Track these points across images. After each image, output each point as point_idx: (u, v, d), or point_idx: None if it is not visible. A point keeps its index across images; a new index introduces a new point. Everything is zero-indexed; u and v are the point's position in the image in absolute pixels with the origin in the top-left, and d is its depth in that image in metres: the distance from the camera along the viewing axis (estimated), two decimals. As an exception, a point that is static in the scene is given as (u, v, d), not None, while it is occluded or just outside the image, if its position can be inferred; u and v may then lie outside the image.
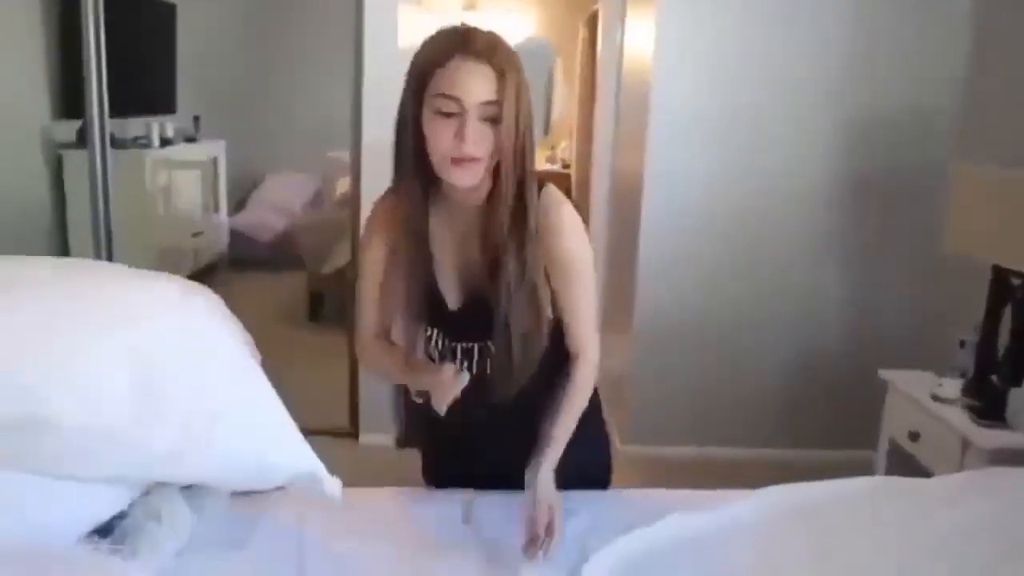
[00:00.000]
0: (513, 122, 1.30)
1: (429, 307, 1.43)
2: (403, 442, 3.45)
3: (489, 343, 1.42)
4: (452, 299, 1.45)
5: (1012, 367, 2.30)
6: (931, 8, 3.09)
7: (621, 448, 3.34)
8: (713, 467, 3.21)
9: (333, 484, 1.43)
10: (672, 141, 3.15)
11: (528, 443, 1.48)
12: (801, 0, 3.06)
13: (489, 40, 1.30)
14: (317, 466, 1.42)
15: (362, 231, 1.51)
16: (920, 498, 1.64)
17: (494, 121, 1.29)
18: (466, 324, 1.44)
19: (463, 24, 1.34)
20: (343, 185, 4.22)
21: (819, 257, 3.24)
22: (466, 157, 1.28)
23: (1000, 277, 2.36)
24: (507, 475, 1.50)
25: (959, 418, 2.28)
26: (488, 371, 1.45)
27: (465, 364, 1.46)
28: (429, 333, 1.49)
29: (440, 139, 1.29)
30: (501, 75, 1.28)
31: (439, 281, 1.44)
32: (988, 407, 2.29)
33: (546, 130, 6.30)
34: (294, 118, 5.08)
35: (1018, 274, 2.29)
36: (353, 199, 3.40)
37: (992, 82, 3.01)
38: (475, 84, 1.26)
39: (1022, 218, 2.14)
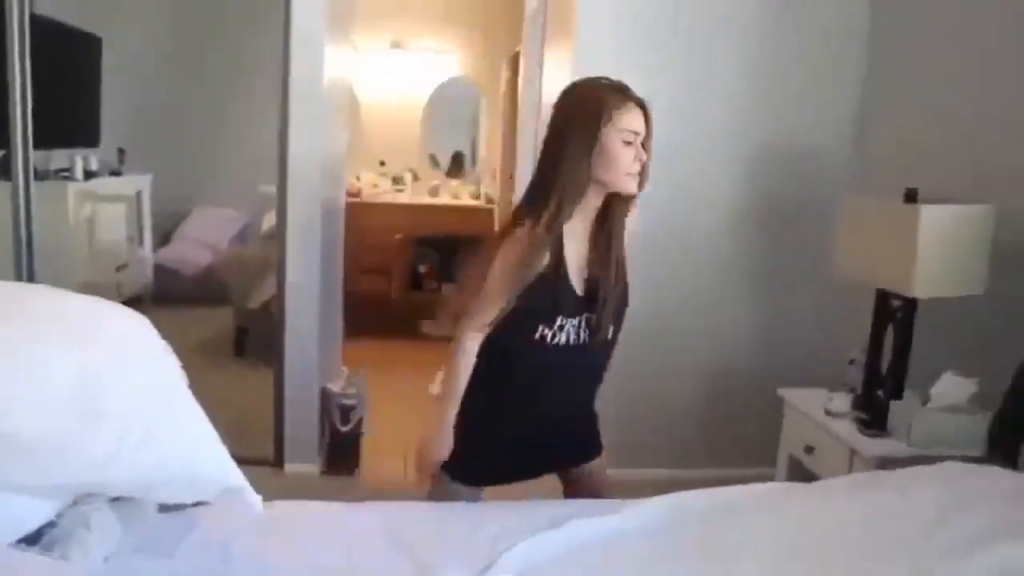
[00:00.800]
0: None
1: (566, 299, 1.85)
2: (329, 469, 3.50)
3: (590, 315, 1.87)
4: (578, 288, 1.86)
5: (894, 381, 2.51)
6: (826, 53, 3.38)
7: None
8: (628, 488, 3.33)
9: (256, 498, 1.51)
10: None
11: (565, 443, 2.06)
12: (710, 43, 3.30)
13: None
14: (241, 480, 1.50)
15: (512, 251, 1.81)
16: (801, 501, 1.81)
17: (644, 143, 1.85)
18: (584, 304, 1.87)
19: (612, 79, 1.89)
20: (271, 219, 4.28)
21: (726, 282, 3.44)
22: (635, 172, 1.83)
23: (882, 300, 2.58)
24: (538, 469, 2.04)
25: (848, 430, 2.47)
26: (587, 338, 1.88)
27: (579, 329, 1.87)
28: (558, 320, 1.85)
29: (624, 160, 1.81)
30: (646, 114, 1.86)
31: (570, 278, 1.86)
32: (873, 419, 2.49)
33: (473, 164, 6.47)
34: (221, 153, 5.10)
35: (898, 297, 2.51)
36: (279, 233, 3.47)
37: (879, 121, 3.28)
38: (640, 122, 1.84)
39: (900, 246, 2.35)
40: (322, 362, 3.57)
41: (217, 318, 4.88)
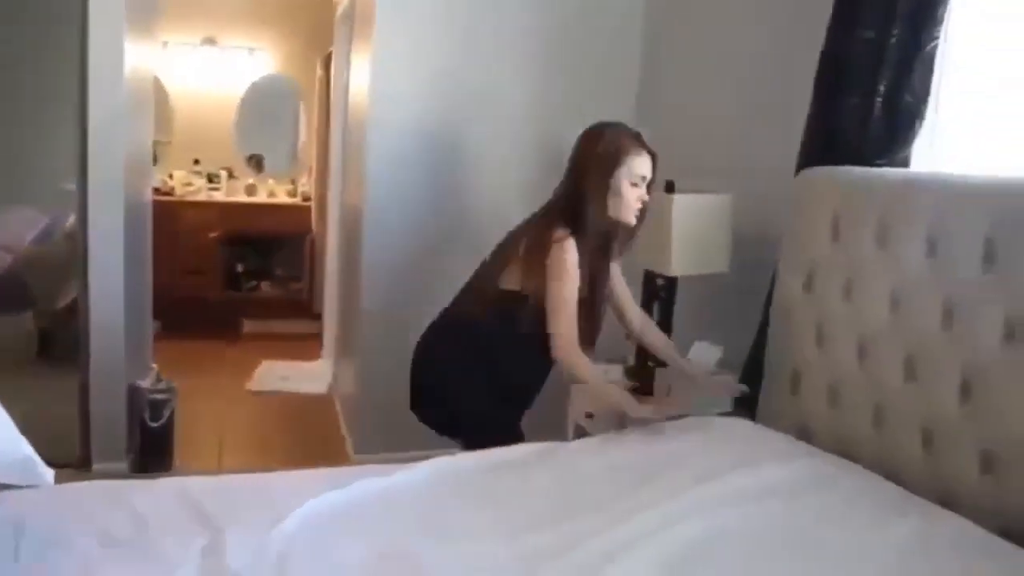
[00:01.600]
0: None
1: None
2: (138, 466, 3.49)
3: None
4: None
5: (658, 352, 2.85)
6: (605, 59, 3.71)
7: (356, 457, 3.60)
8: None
9: (48, 471, 1.59)
10: (386, 171, 3.49)
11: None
12: (500, 41, 3.54)
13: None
14: (31, 453, 1.57)
15: (568, 262, 2.27)
16: (563, 458, 2.07)
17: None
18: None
19: (629, 128, 2.40)
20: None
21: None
22: (637, 208, 2.36)
23: (649, 279, 2.90)
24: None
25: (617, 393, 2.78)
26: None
27: None
28: None
29: (632, 198, 2.34)
30: (654, 161, 2.37)
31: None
32: (643, 386, 2.81)
33: (291, 161, 6.49)
34: (19, 150, 4.90)
35: (661, 276, 2.84)
36: (81, 232, 3.43)
37: (651, 121, 3.64)
38: (648, 168, 2.35)
39: (660, 231, 2.66)
40: (131, 361, 3.56)
41: (19, 320, 4.69)
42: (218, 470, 3.56)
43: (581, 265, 2.30)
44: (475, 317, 2.44)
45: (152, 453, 3.53)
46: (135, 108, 3.66)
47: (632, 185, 2.31)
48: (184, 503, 1.71)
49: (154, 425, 3.51)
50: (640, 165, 2.30)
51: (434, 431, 2.58)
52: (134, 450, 3.54)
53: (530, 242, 2.35)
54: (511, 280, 2.39)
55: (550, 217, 2.37)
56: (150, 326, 4.30)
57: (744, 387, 2.53)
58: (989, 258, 1.82)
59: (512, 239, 2.47)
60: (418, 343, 2.61)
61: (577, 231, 2.29)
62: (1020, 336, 1.75)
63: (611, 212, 2.35)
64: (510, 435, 2.36)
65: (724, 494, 1.82)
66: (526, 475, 1.95)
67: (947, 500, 1.86)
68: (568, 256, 2.27)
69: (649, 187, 2.37)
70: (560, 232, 2.29)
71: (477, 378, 2.43)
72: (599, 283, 2.42)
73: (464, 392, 2.46)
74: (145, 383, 3.57)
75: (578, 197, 2.33)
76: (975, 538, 1.65)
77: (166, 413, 3.54)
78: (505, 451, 2.10)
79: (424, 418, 2.59)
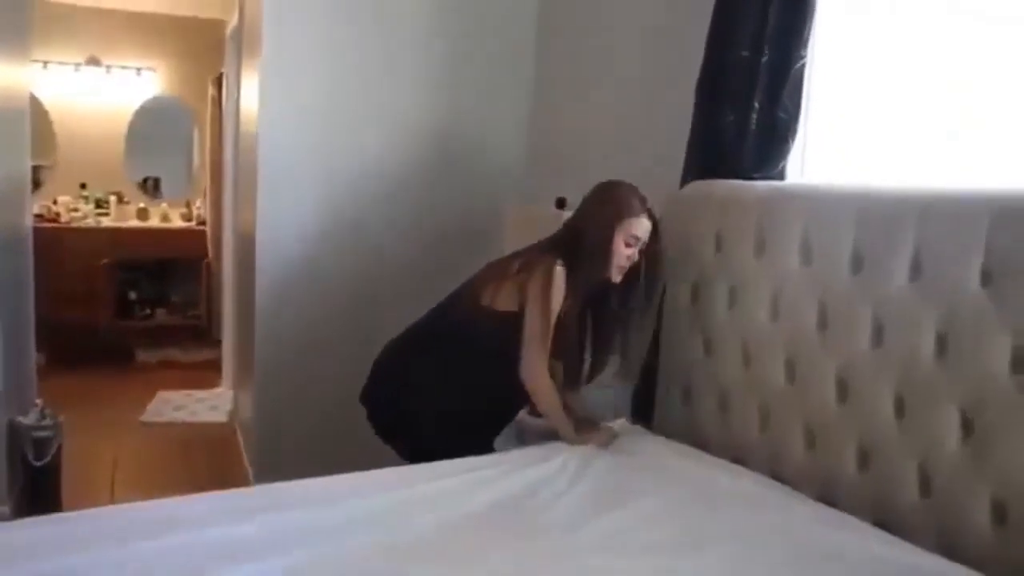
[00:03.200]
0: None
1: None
2: (22, 510, 3.32)
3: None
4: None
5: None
6: (499, 77, 3.75)
7: (256, 484, 3.51)
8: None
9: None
10: (276, 194, 3.42)
11: None
12: (390, 57, 3.53)
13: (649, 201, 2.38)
14: None
15: (552, 286, 2.28)
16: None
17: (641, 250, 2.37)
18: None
19: (639, 191, 2.37)
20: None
21: (427, 289, 3.68)
22: (625, 266, 2.34)
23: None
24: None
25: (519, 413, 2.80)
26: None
27: None
28: None
29: (622, 255, 2.32)
30: (655, 227, 2.37)
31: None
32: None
33: (185, 185, 6.32)
34: None
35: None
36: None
37: (542, 136, 3.71)
38: (645, 231, 2.34)
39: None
40: (10, 396, 3.38)
41: None
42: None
43: (568, 302, 2.32)
44: (457, 335, 2.42)
45: (37, 494, 3.35)
46: (6, 131, 3.50)
47: (625, 244, 2.32)
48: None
49: (38, 464, 3.34)
50: (638, 226, 2.32)
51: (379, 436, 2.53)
52: (16, 492, 3.36)
53: (524, 264, 2.36)
54: (500, 300, 2.37)
55: (549, 247, 2.39)
56: (32, 359, 4.10)
57: (616, 433, 2.47)
58: (857, 263, 1.92)
59: (505, 260, 2.47)
60: (385, 354, 2.58)
61: (571, 269, 2.31)
62: (887, 335, 1.85)
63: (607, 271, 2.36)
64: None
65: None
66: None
67: (826, 494, 1.95)
68: (554, 281, 2.28)
69: (641, 252, 2.36)
70: (551, 257, 2.31)
71: (453, 399, 2.40)
72: (584, 325, 2.45)
73: (437, 413, 2.41)
74: (27, 420, 3.39)
75: (578, 239, 2.35)
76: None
77: (51, 451, 3.38)
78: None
79: (378, 423, 2.54)
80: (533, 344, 2.30)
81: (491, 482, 1.99)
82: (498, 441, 2.69)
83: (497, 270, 2.44)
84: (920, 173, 2.10)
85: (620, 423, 2.53)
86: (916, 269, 1.79)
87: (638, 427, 2.53)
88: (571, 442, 2.30)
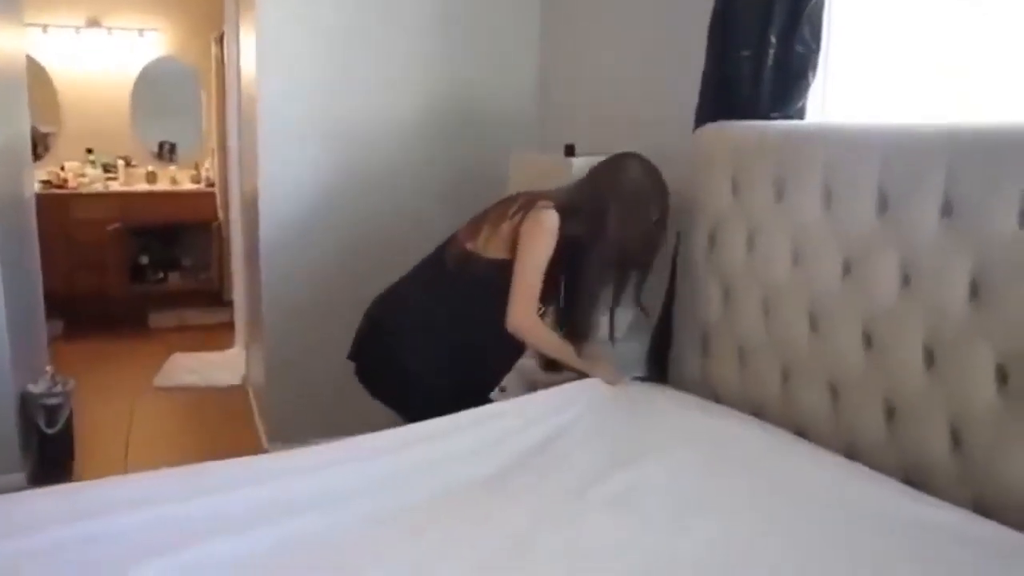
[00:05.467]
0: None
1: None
2: (38, 477, 3.30)
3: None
4: None
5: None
6: (505, 22, 3.61)
7: (269, 447, 3.48)
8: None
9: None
10: (278, 152, 3.32)
11: None
12: (387, 17, 3.40)
13: None
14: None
15: (543, 229, 2.18)
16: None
17: None
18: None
19: (660, 179, 2.28)
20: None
21: (431, 244, 3.58)
22: None
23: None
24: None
25: (531, 367, 2.71)
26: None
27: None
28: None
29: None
30: None
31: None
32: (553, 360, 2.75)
33: (194, 146, 6.22)
34: None
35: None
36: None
37: (553, 86, 3.58)
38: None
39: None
40: (20, 365, 3.35)
41: None
42: (125, 471, 3.39)
43: (564, 254, 2.22)
44: (445, 283, 2.31)
45: (50, 462, 3.34)
46: (5, 95, 3.41)
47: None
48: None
49: (50, 432, 3.31)
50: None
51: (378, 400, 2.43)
52: (31, 459, 3.34)
53: (518, 209, 2.23)
54: (491, 247, 2.25)
55: (549, 195, 2.26)
56: (42, 328, 4.06)
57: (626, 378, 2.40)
58: (882, 205, 1.80)
59: (501, 204, 2.34)
60: (378, 304, 2.45)
61: (569, 225, 2.20)
62: (914, 282, 1.73)
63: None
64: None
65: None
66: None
67: (852, 450, 1.85)
68: (545, 224, 2.17)
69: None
70: (547, 202, 2.20)
71: (445, 350, 2.30)
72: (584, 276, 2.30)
73: (431, 366, 2.30)
74: (37, 388, 3.36)
75: (596, 215, 2.22)
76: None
77: (62, 418, 3.35)
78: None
79: (372, 387, 2.44)
80: (519, 295, 2.20)
81: (501, 440, 1.91)
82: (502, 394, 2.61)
83: (493, 214, 2.31)
84: (949, 110, 1.96)
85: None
86: (947, 209, 1.67)
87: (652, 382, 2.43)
88: (581, 368, 2.28)
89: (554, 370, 2.70)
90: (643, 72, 2.97)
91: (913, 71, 2.04)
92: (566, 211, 2.22)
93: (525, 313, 2.21)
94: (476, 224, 2.34)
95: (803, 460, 1.81)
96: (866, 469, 1.75)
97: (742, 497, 1.65)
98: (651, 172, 2.27)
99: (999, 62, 1.87)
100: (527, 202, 2.24)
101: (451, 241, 2.38)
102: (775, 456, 1.83)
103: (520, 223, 2.20)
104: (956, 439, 1.65)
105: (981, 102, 1.92)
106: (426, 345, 2.31)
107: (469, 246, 2.29)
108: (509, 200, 2.34)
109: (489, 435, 1.93)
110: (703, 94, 2.42)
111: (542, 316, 2.31)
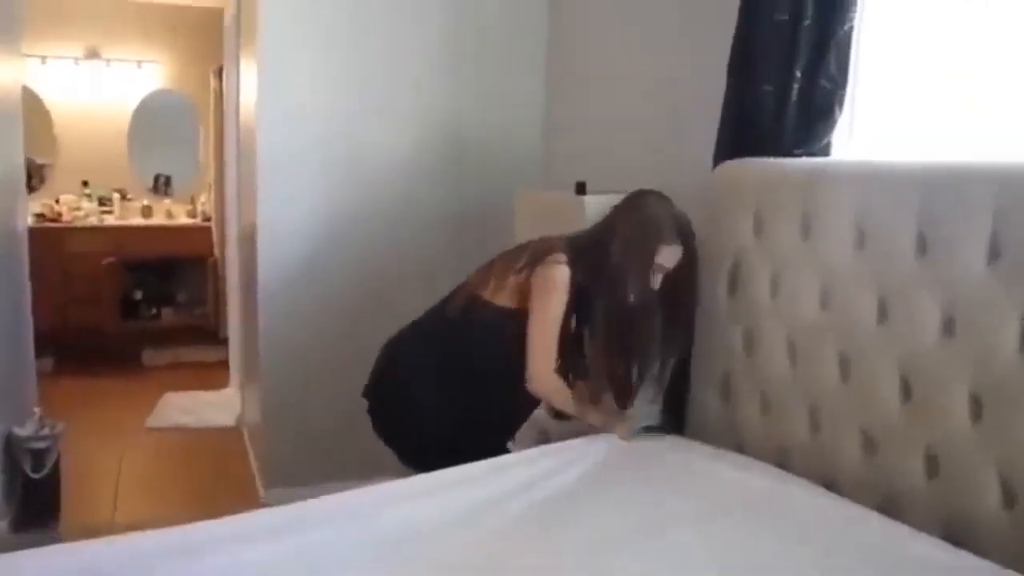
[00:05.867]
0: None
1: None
2: (21, 524, 3.16)
3: None
4: None
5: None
6: (511, 57, 3.54)
7: (264, 493, 3.35)
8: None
9: None
10: (278, 187, 3.23)
11: None
12: (392, 50, 3.33)
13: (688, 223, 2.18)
14: None
15: (555, 284, 2.11)
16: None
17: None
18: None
19: (682, 215, 2.18)
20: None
21: (435, 284, 3.49)
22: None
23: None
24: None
25: (541, 415, 2.59)
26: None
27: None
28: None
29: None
30: (687, 249, 2.17)
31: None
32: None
33: (190, 181, 6.14)
34: None
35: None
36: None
37: (560, 122, 3.50)
38: (673, 259, 2.16)
39: (559, 230, 2.48)
40: (6, 405, 3.22)
41: None
42: (111, 522, 3.25)
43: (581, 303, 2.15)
44: (454, 330, 2.24)
45: (35, 508, 3.19)
46: (-1, 127, 3.32)
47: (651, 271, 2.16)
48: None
49: (36, 477, 3.17)
50: (667, 255, 2.14)
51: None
52: (14, 505, 3.20)
53: (529, 261, 2.16)
54: (501, 295, 2.19)
55: (563, 248, 2.17)
56: (31, 366, 3.93)
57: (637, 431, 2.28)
58: (921, 246, 1.71)
59: (512, 252, 2.27)
60: (384, 351, 2.39)
61: (588, 282, 2.14)
62: (960, 327, 1.63)
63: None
64: None
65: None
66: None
67: (889, 506, 1.74)
68: (555, 279, 2.10)
69: (667, 277, 2.18)
70: (559, 255, 2.12)
71: (454, 398, 2.23)
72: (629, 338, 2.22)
73: (436, 414, 2.24)
74: (24, 431, 3.23)
75: (603, 256, 2.15)
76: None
77: (49, 462, 3.21)
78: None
79: (378, 424, 2.36)
80: (538, 348, 2.13)
81: (509, 496, 1.79)
82: (516, 446, 2.50)
83: (501, 263, 2.24)
84: (985, 149, 1.87)
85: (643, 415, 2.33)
86: (994, 251, 1.57)
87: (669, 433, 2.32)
88: (597, 424, 2.19)
89: (564, 418, 2.60)
90: (657, 107, 2.89)
91: (943, 105, 1.96)
92: (578, 256, 2.14)
93: (544, 372, 2.14)
94: (483, 273, 2.28)
95: (837, 519, 1.69)
96: (904, 528, 1.63)
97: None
98: (665, 207, 2.18)
99: (1006, 64, 1.80)
100: (535, 255, 2.16)
101: (457, 290, 2.32)
102: (811, 518, 1.71)
103: (528, 278, 2.13)
104: (1009, 495, 1.55)
105: (987, 105, 1.87)
106: (430, 390, 2.23)
107: (479, 293, 2.22)
108: (518, 250, 2.26)
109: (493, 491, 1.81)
110: (722, 130, 2.34)
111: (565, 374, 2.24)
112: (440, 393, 2.22)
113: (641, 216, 2.17)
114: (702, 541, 1.60)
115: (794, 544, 1.58)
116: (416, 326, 2.36)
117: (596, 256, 2.15)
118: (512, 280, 2.16)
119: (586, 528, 1.67)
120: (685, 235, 2.16)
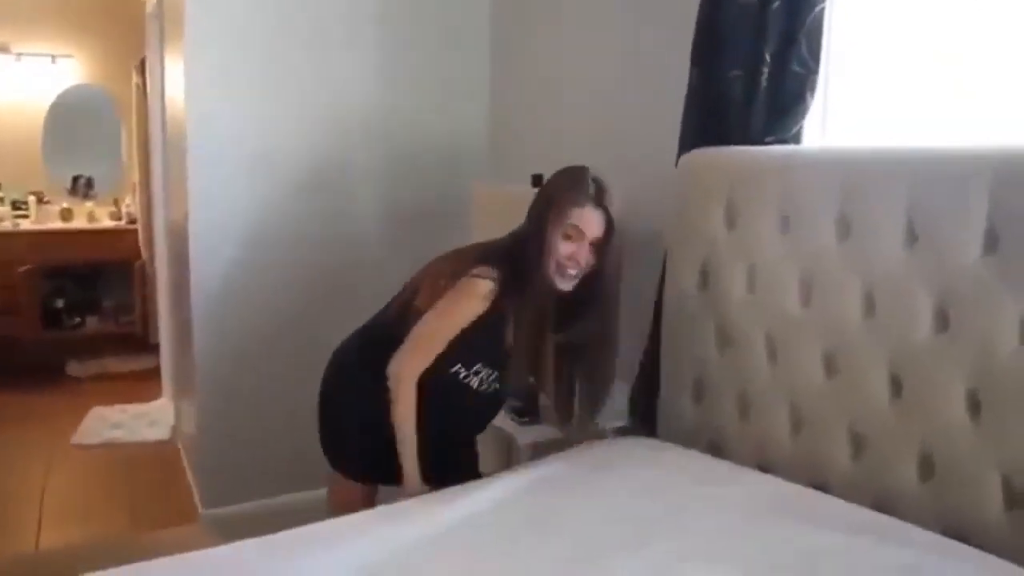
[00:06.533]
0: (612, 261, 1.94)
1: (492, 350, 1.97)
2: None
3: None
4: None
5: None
6: (454, 49, 3.38)
7: (204, 512, 3.14)
8: (297, 514, 3.13)
9: None
10: (211, 185, 3.00)
11: None
12: (324, 40, 3.13)
13: (609, 191, 1.90)
14: None
15: (468, 299, 1.88)
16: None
17: (597, 249, 1.89)
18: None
19: (594, 175, 1.91)
20: None
21: (383, 281, 3.27)
22: (570, 269, 1.88)
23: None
24: None
25: (504, 420, 2.47)
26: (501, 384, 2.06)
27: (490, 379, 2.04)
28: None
29: (562, 254, 1.87)
30: (609, 220, 1.88)
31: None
32: (526, 406, 2.51)
33: (111, 181, 5.81)
34: None
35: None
36: None
37: (506, 110, 3.37)
38: (592, 224, 1.88)
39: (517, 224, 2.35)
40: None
41: None
42: (35, 549, 3.00)
43: (518, 325, 1.93)
44: (395, 343, 1.98)
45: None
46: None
47: (565, 238, 1.87)
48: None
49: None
50: (579, 216, 1.86)
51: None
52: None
53: (453, 271, 1.95)
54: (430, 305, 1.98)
55: (488, 253, 1.96)
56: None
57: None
58: (910, 236, 1.63)
59: (446, 259, 2.06)
60: (331, 357, 2.23)
61: (510, 281, 1.89)
62: (954, 320, 1.56)
63: (539, 265, 1.89)
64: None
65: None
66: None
67: (881, 505, 1.66)
68: (473, 293, 1.87)
69: (599, 250, 1.91)
70: (483, 269, 1.89)
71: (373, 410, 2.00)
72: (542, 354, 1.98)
73: (358, 424, 2.11)
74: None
75: (519, 243, 1.94)
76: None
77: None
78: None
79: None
80: (414, 351, 1.92)
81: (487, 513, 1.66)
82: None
83: (434, 268, 2.05)
84: (966, 133, 1.81)
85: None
86: (990, 241, 1.50)
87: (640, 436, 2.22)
88: (408, 491, 1.93)
89: (528, 422, 2.49)
90: (613, 92, 2.78)
91: (924, 90, 1.89)
92: (503, 262, 1.92)
93: (410, 374, 1.92)
94: (417, 279, 2.08)
95: (834, 519, 1.60)
96: (900, 524, 1.55)
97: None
98: (574, 172, 1.97)
99: (994, 48, 1.75)
100: (459, 266, 1.95)
101: (396, 296, 2.13)
102: (810, 522, 1.62)
103: (447, 288, 1.93)
104: (1010, 494, 1.47)
105: (975, 89, 1.81)
106: (363, 399, 2.06)
107: (410, 300, 2.03)
108: (454, 255, 2.05)
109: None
110: (686, 118, 2.24)
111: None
112: (373, 403, 1.99)
113: (545, 185, 2.03)
114: (678, 545, 1.49)
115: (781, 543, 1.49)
116: (357, 335, 2.20)
117: (514, 246, 1.96)
118: (441, 286, 1.96)
119: (569, 537, 1.55)
120: (601, 199, 1.89)
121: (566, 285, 1.91)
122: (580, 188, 1.89)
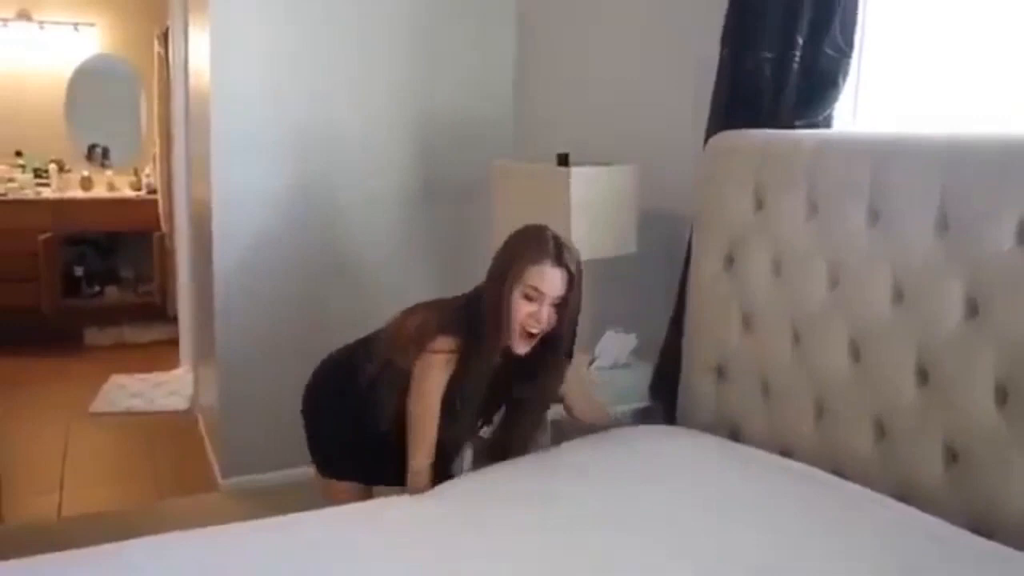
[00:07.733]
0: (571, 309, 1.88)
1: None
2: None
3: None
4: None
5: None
6: (480, 28, 3.37)
7: (223, 482, 3.17)
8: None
9: None
10: (235, 159, 3.01)
11: None
12: (354, 17, 3.13)
13: (569, 250, 1.85)
14: None
15: (429, 380, 1.88)
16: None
17: (559, 307, 1.84)
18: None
19: (552, 234, 1.86)
20: None
21: (404, 259, 3.33)
22: (531, 330, 1.83)
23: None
24: None
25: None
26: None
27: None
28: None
29: (519, 314, 1.82)
30: (570, 278, 1.83)
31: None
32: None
33: (132, 150, 5.83)
34: None
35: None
36: None
37: (533, 92, 3.35)
38: (551, 283, 1.81)
39: (554, 208, 2.36)
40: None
41: None
42: (57, 517, 3.04)
43: (476, 383, 1.90)
44: (375, 394, 1.99)
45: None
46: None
47: (525, 299, 1.82)
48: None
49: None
50: (538, 276, 1.80)
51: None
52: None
53: (417, 332, 1.92)
54: (401, 356, 1.96)
55: (448, 317, 1.92)
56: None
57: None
58: (942, 224, 1.61)
59: (415, 315, 1.99)
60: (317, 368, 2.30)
61: (472, 344, 1.87)
62: (983, 310, 1.55)
63: (500, 327, 1.85)
64: None
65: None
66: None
67: (905, 494, 1.66)
68: (431, 373, 1.87)
69: (561, 309, 1.85)
70: (441, 342, 1.87)
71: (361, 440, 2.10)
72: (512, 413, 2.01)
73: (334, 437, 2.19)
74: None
75: (481, 306, 1.89)
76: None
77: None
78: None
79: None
80: (419, 448, 1.90)
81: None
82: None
83: (406, 327, 1.98)
84: (1001, 120, 1.79)
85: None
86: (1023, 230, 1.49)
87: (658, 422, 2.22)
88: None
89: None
90: (644, 73, 2.76)
91: (961, 78, 1.87)
92: (461, 317, 1.90)
93: (419, 461, 1.90)
94: (396, 329, 2.02)
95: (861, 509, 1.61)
96: (925, 517, 1.55)
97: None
98: (534, 230, 1.91)
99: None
100: (424, 333, 1.90)
101: (378, 338, 2.08)
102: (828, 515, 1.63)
103: (415, 359, 1.91)
104: (1036, 488, 1.47)
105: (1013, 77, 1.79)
106: (343, 424, 2.15)
107: (391, 357, 1.98)
108: (420, 318, 1.96)
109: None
110: (716, 100, 2.22)
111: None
112: (355, 406, 2.05)
113: (505, 246, 1.93)
114: (678, 534, 1.50)
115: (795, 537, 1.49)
116: (342, 361, 2.18)
117: (476, 303, 1.92)
118: (409, 354, 1.92)
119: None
120: (561, 257, 1.83)
121: (522, 349, 1.87)
122: (540, 247, 1.84)
